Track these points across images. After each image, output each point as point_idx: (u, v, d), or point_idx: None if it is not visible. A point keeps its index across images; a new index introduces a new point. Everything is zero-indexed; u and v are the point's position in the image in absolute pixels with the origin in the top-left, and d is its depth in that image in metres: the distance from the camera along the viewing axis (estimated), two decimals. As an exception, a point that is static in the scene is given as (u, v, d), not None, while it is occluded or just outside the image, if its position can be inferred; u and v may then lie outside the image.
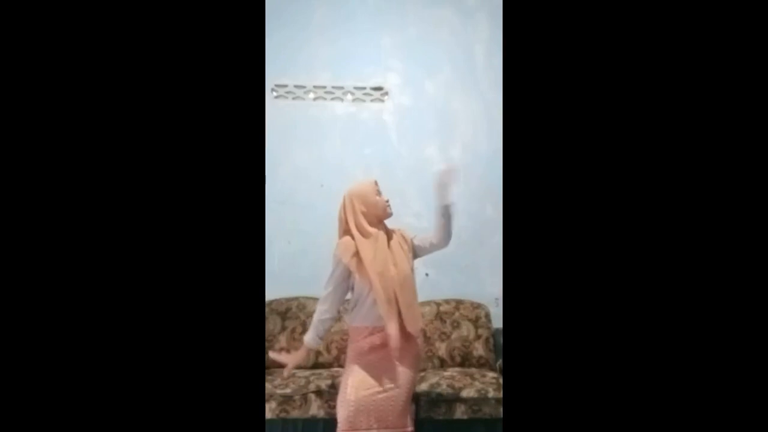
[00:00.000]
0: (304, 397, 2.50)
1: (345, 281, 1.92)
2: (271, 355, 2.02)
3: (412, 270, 1.94)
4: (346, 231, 1.91)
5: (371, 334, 1.87)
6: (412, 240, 2.01)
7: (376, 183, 1.96)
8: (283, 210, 3.14)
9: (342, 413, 1.83)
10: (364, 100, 3.29)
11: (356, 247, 1.86)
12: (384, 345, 1.85)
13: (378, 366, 1.86)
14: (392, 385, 1.83)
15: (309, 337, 1.93)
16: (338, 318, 2.10)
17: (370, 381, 1.83)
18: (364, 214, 1.89)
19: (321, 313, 1.92)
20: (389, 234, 1.95)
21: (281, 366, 2.02)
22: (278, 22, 3.18)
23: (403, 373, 1.85)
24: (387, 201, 1.95)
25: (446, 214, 1.88)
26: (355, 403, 1.80)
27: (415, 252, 2.01)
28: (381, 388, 1.82)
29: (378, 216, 1.92)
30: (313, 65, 3.26)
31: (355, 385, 1.83)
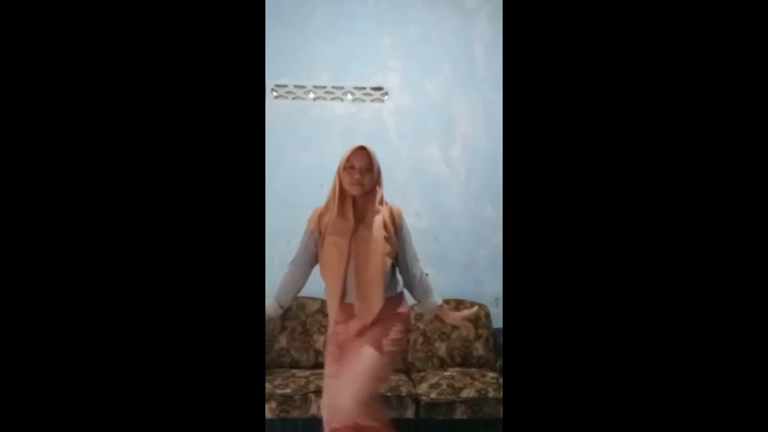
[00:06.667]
0: (304, 397, 2.51)
1: (311, 248, 1.84)
2: None
3: (388, 254, 1.74)
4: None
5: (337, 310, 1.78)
6: (400, 225, 1.81)
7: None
8: (283, 210, 3.14)
9: (325, 417, 1.75)
10: (364, 100, 3.29)
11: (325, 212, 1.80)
12: (347, 323, 1.76)
13: (343, 349, 1.76)
14: (347, 368, 1.69)
15: (268, 303, 1.86)
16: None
17: (332, 369, 1.74)
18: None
19: (283, 277, 1.86)
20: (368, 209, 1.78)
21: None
22: (278, 22, 3.18)
23: (365, 356, 1.69)
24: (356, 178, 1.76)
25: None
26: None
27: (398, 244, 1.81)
28: (334, 370, 1.72)
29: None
30: (313, 65, 3.26)
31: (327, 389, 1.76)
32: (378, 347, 1.72)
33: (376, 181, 1.82)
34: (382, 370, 1.75)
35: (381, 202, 1.81)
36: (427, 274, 1.94)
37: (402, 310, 1.86)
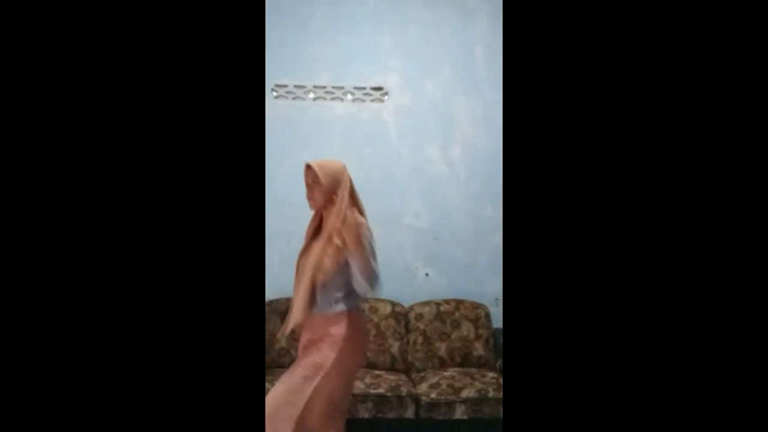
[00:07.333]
0: (304, 397, 2.50)
1: None
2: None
3: (322, 270, 1.72)
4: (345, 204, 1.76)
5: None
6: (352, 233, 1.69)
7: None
8: (283, 210, 3.14)
9: None
10: (364, 100, 3.29)
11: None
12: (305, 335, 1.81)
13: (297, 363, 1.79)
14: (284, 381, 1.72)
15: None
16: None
17: None
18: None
19: None
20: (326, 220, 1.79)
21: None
22: (278, 21, 3.18)
23: (284, 379, 1.72)
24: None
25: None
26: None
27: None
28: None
29: None
30: (313, 65, 3.26)
31: None
32: (300, 371, 1.72)
33: (332, 194, 1.76)
34: (295, 395, 1.67)
35: (339, 216, 1.73)
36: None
37: (336, 331, 1.74)
